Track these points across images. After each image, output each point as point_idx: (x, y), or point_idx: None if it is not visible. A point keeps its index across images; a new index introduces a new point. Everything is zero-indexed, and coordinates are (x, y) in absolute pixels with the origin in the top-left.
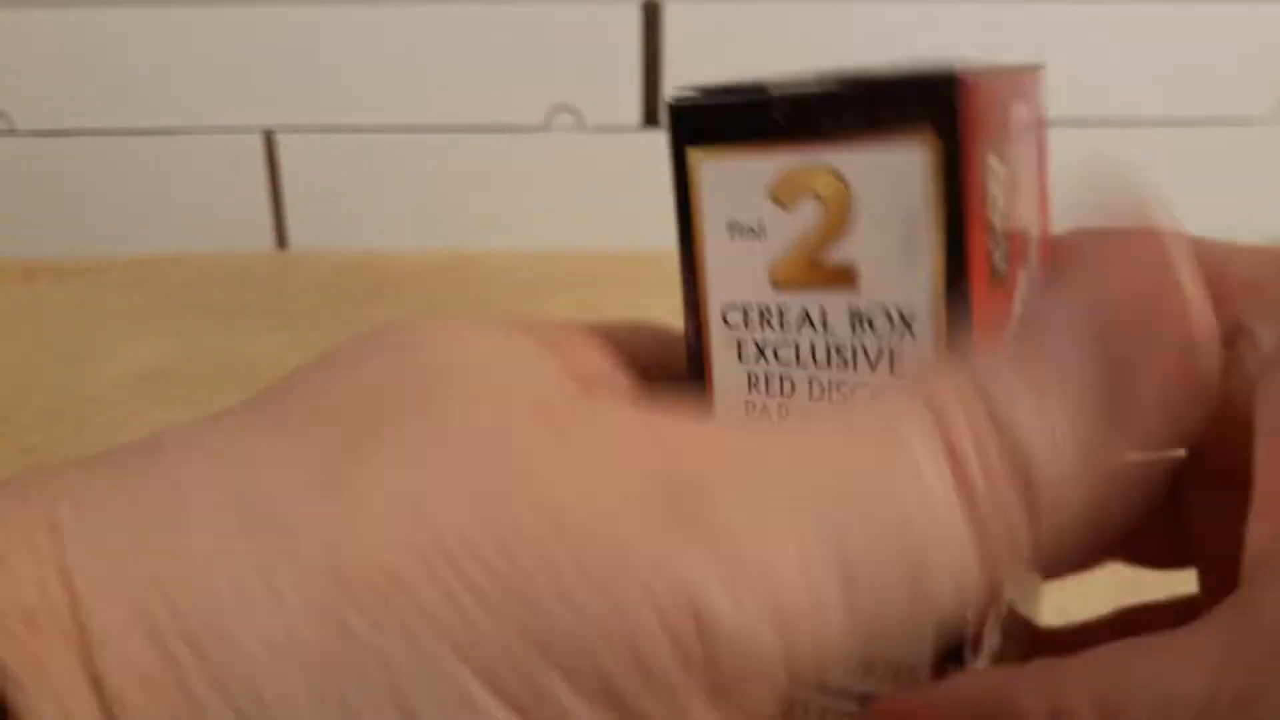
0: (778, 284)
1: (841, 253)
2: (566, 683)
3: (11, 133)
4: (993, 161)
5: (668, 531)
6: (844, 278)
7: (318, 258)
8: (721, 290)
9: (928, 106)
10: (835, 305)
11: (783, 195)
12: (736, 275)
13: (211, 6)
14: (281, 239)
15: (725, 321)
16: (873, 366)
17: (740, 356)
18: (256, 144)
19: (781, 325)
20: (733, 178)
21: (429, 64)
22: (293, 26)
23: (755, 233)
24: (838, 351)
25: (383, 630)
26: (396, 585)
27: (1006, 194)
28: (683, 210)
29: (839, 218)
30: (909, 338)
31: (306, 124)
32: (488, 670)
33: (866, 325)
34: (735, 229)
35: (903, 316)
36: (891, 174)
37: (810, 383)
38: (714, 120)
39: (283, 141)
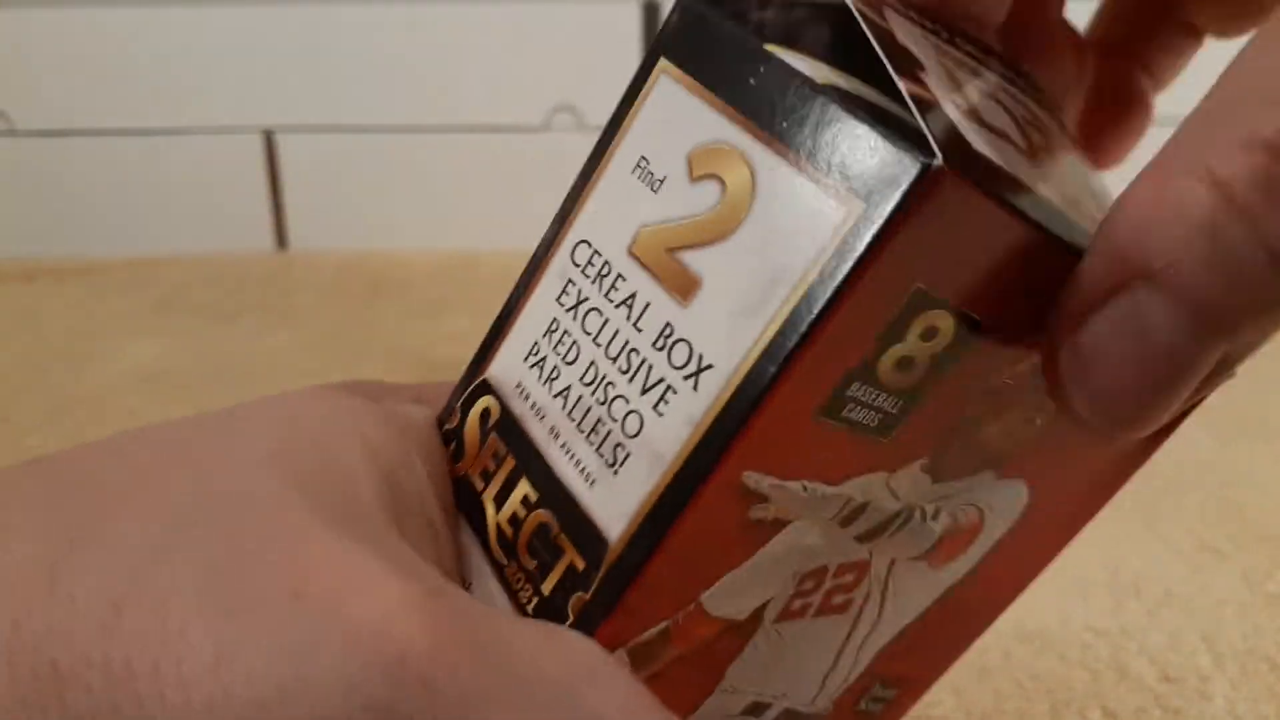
0: (633, 250)
1: (699, 260)
2: None
3: (11, 133)
4: (937, 318)
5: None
6: (684, 287)
7: (318, 258)
8: (591, 220)
9: (877, 180)
10: (659, 308)
11: (697, 164)
12: (611, 215)
13: (211, 6)
14: (281, 239)
15: (573, 254)
16: (645, 391)
17: (560, 297)
18: (256, 144)
19: (609, 294)
20: (675, 111)
21: (429, 64)
22: (293, 26)
23: (653, 183)
24: (630, 354)
25: (34, 708)
26: (55, 676)
27: (963, 380)
28: (619, 113)
29: (724, 224)
30: (691, 387)
31: (306, 124)
32: None
33: (669, 348)
34: (641, 167)
35: (700, 364)
36: (799, 215)
37: (591, 365)
38: (702, 46)
39: (283, 141)
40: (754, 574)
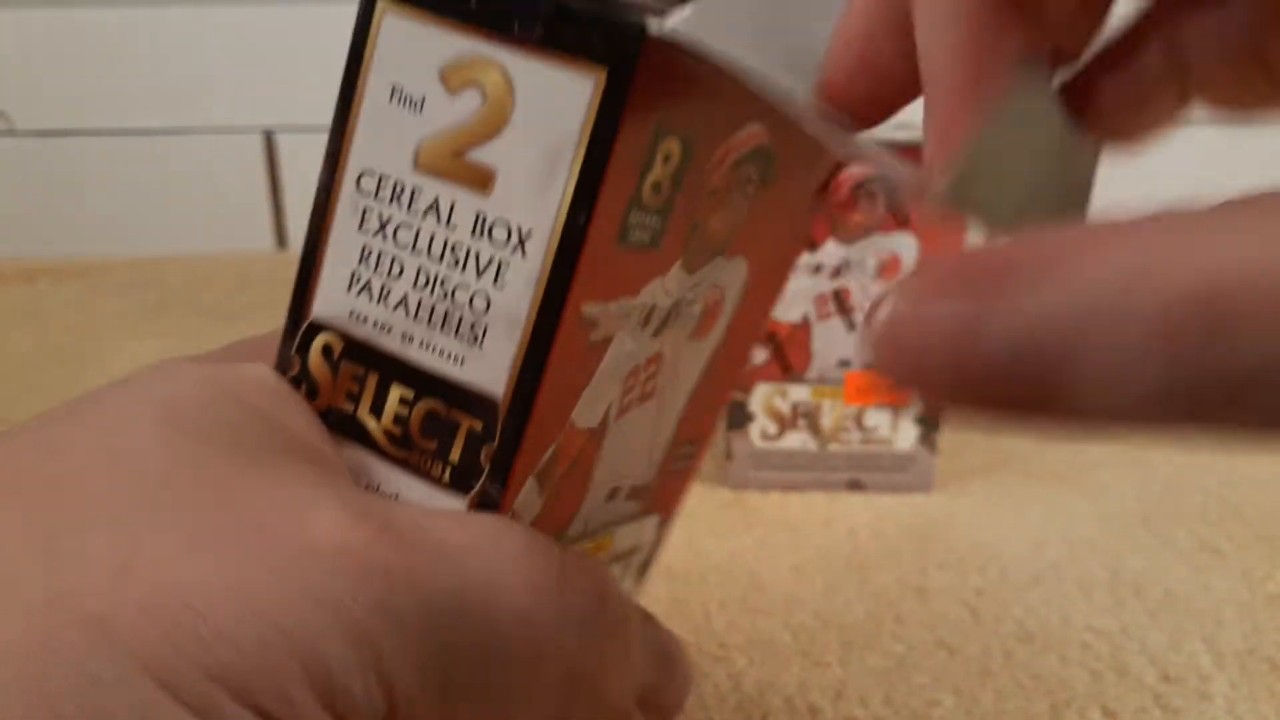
0: (419, 165)
1: (486, 155)
2: (234, 700)
3: (11, 133)
4: (670, 144)
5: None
6: (480, 180)
7: None
8: (365, 152)
9: (611, 50)
10: (465, 204)
11: (451, 79)
12: (383, 142)
13: (211, 6)
14: (281, 239)
15: (358, 185)
16: (480, 273)
17: (361, 225)
18: (256, 144)
19: (409, 207)
20: (411, 42)
21: None
22: (293, 26)
23: (414, 106)
24: (453, 249)
25: (93, 657)
26: (103, 629)
27: (691, 188)
28: (353, 59)
29: (495, 120)
30: (520, 256)
31: (306, 124)
32: (173, 687)
33: (487, 232)
34: (397, 94)
35: (521, 235)
36: (556, 96)
37: (419, 271)
38: None
39: (283, 141)
40: (598, 386)
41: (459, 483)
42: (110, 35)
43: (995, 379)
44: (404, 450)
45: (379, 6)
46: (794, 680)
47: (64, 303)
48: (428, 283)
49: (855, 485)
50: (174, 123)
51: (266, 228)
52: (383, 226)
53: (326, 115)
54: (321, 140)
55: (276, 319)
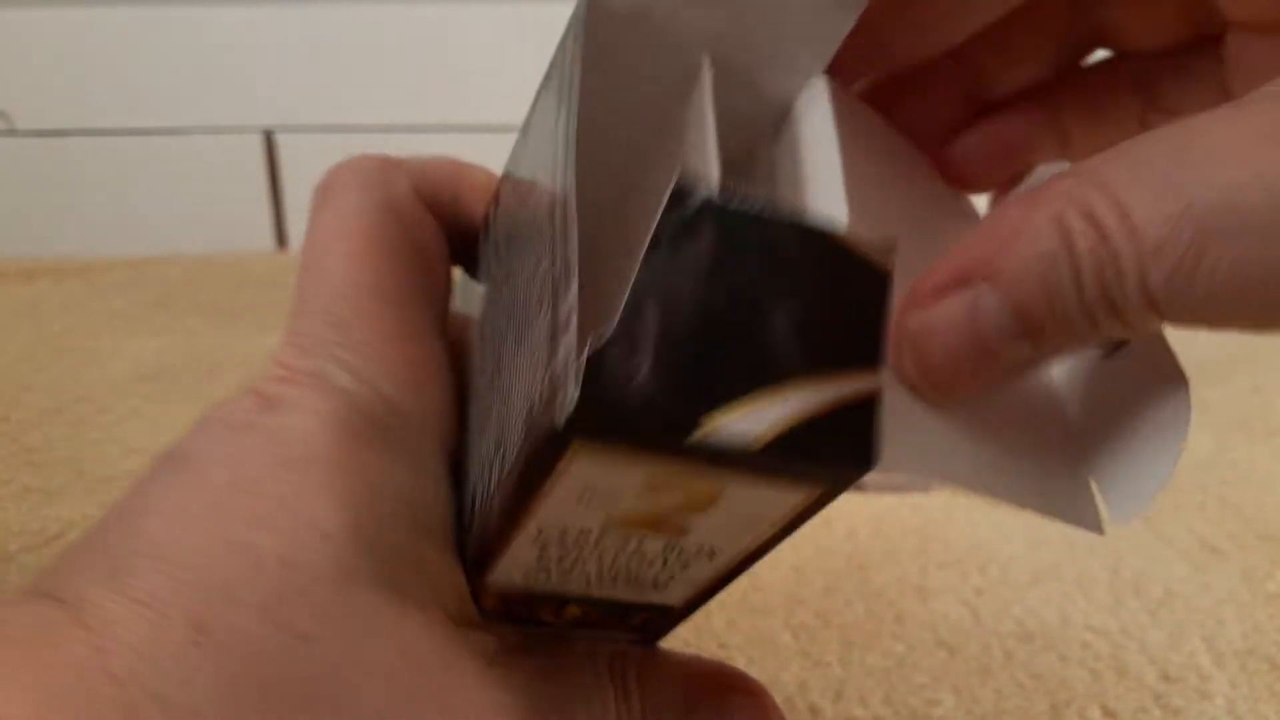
0: (608, 523)
1: (684, 521)
2: None
3: (11, 133)
4: None
5: None
6: (674, 532)
7: None
8: (547, 519)
9: (836, 478)
10: (655, 543)
11: (655, 486)
12: (570, 515)
13: (211, 6)
14: (281, 239)
15: (538, 533)
16: (664, 565)
17: (540, 553)
18: (256, 144)
19: (595, 544)
20: (609, 466)
21: (429, 64)
22: (293, 26)
23: (608, 497)
24: (643, 562)
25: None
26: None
27: None
28: (535, 476)
29: (697, 504)
30: (708, 560)
31: (306, 124)
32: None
33: (678, 556)
34: (588, 494)
35: (713, 552)
36: (766, 500)
37: (601, 566)
38: (616, 426)
39: (283, 141)
40: None
41: (632, 633)
42: (110, 35)
43: (1006, 336)
44: (576, 628)
45: (574, 447)
46: (794, 680)
47: (64, 302)
48: (612, 576)
49: (855, 485)
50: (174, 123)
51: (266, 227)
52: (564, 551)
53: (326, 115)
54: (321, 139)
55: (276, 319)
